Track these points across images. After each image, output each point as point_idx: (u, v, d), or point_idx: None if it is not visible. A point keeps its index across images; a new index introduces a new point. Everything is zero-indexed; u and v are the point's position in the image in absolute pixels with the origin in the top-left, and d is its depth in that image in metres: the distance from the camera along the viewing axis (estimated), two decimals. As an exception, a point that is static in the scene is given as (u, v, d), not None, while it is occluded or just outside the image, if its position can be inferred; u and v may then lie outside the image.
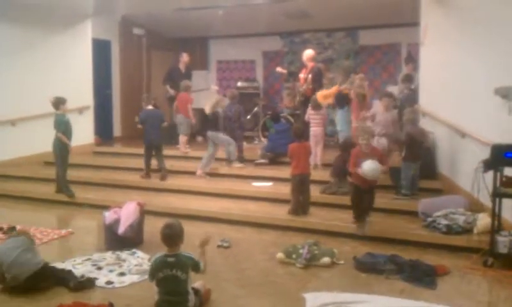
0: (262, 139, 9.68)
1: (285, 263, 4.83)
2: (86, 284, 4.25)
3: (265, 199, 6.77)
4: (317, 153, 7.51)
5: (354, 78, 7.19)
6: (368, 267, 4.62)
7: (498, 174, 4.59)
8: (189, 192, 7.24)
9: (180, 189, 7.37)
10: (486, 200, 4.89)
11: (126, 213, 5.35)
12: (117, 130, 11.17)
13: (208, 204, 6.70)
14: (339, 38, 11.14)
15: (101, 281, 4.38)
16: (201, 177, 7.70)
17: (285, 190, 6.44)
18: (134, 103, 10.38)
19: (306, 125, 7.60)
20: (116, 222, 5.29)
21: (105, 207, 5.71)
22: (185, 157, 8.74)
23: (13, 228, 5.78)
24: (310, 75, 8.50)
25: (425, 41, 7.57)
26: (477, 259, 4.73)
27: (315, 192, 6.34)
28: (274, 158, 8.08)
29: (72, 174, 7.60)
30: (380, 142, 6.60)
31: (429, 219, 5.45)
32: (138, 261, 4.87)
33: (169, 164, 7.97)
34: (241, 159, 8.08)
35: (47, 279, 4.25)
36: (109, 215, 5.35)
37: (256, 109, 10.69)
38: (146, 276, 3.87)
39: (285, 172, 6.79)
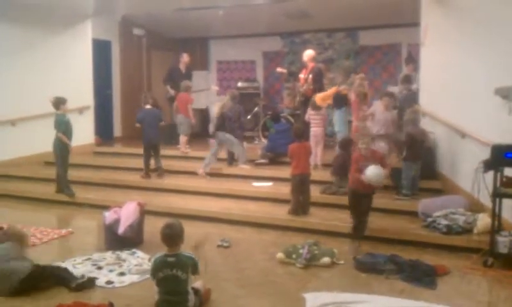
0: (262, 139, 9.69)
1: (285, 263, 4.82)
2: (87, 284, 4.24)
3: (265, 199, 6.77)
4: (317, 153, 7.50)
5: (354, 79, 7.19)
6: (368, 267, 4.62)
7: (498, 174, 4.58)
8: (189, 192, 7.24)
9: (180, 189, 7.37)
10: (486, 200, 4.89)
11: (126, 213, 5.35)
12: (117, 130, 11.18)
13: (208, 204, 6.70)
14: (339, 38, 11.15)
15: (101, 281, 4.38)
16: (202, 176, 7.70)
17: (285, 190, 6.44)
18: (134, 104, 10.36)
19: (307, 125, 7.60)
20: (116, 222, 5.29)
21: (106, 207, 5.72)
22: (186, 157, 8.74)
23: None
24: (310, 76, 8.48)
25: (426, 42, 7.57)
26: (477, 260, 4.72)
27: (315, 192, 6.34)
28: (274, 158, 8.07)
29: (72, 174, 7.60)
30: (380, 145, 6.59)
31: (429, 219, 5.45)
32: (138, 261, 4.87)
33: (166, 164, 7.96)
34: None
35: (47, 279, 4.24)
36: (109, 215, 5.35)
37: (256, 109, 10.69)
38: (146, 276, 3.87)
39: (285, 172, 6.79)
